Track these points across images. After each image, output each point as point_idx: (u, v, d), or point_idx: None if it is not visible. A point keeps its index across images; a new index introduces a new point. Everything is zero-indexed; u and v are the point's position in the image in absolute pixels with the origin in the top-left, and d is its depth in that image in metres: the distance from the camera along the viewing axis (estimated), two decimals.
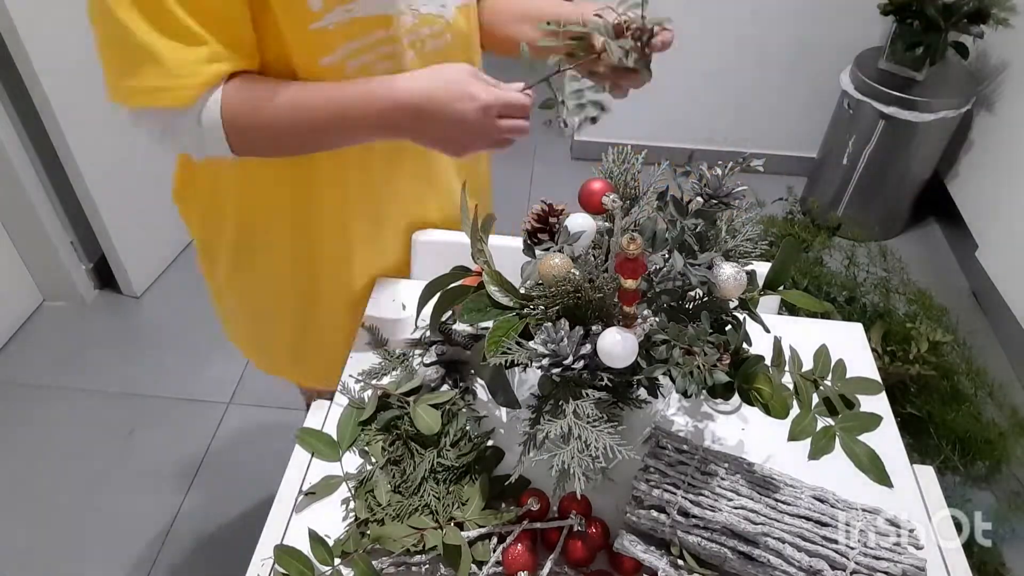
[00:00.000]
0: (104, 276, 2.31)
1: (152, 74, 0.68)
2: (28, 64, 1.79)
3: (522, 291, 0.68)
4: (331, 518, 0.77)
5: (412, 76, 0.74)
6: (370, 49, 0.78)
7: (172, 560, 1.65)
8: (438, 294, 0.74)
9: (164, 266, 2.41)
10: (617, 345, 0.61)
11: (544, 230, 0.74)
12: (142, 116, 0.73)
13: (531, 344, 0.62)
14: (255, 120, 0.73)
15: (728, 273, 0.66)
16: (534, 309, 0.66)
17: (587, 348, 0.62)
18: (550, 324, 0.62)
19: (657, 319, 0.64)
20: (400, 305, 1.01)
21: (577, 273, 0.64)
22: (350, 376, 0.91)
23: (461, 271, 0.74)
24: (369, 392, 0.89)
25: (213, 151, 0.74)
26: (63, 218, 2.14)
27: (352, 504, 0.77)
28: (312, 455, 0.82)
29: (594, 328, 0.63)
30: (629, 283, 0.60)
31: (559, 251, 0.68)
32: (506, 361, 0.62)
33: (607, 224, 0.73)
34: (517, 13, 0.94)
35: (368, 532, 0.72)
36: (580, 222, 0.71)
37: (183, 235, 2.49)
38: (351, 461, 0.83)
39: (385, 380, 0.92)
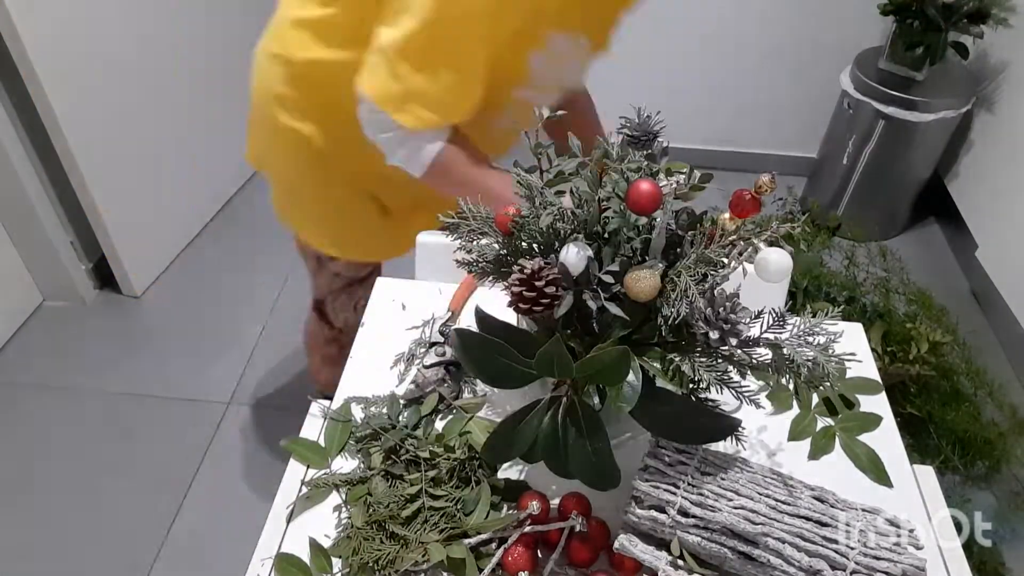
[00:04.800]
0: (104, 276, 2.31)
1: (442, 108, 0.89)
2: (28, 64, 1.79)
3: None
4: (330, 521, 0.77)
5: None
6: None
7: (172, 560, 1.65)
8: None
9: (164, 266, 2.41)
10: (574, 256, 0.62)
11: (532, 296, 0.62)
12: (401, 132, 0.91)
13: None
14: (454, 179, 0.96)
15: (773, 257, 0.63)
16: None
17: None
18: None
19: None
20: (400, 305, 1.01)
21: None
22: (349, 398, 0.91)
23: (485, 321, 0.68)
24: (362, 408, 0.88)
25: (411, 169, 0.95)
26: (63, 218, 2.13)
27: (344, 511, 0.77)
28: (308, 466, 0.82)
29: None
30: (733, 222, 0.59)
31: (649, 267, 0.62)
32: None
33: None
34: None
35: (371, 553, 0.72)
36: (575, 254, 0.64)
37: (183, 235, 2.49)
38: (349, 465, 0.83)
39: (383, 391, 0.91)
